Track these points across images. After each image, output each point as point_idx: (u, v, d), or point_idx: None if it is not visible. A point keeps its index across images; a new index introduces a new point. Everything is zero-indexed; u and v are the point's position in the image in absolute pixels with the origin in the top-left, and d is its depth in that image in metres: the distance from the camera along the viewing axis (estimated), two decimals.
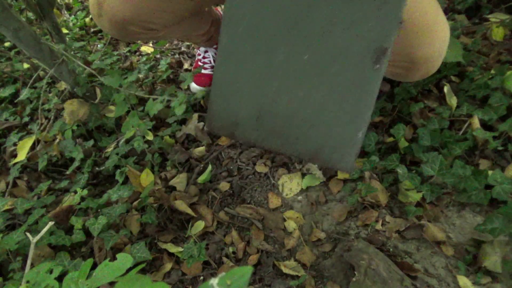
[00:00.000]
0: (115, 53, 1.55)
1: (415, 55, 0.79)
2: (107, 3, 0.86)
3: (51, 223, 0.67)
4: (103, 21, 0.92)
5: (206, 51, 1.38)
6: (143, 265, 0.54)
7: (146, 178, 0.98)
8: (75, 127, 1.11)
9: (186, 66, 1.54)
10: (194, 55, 1.60)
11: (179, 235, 0.91)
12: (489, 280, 0.74)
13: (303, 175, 1.00)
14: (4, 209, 0.90)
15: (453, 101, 1.00)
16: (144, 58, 1.53)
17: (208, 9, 1.20)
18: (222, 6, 1.80)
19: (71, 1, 2.04)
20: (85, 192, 0.93)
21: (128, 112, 0.99)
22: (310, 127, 0.62)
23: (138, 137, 1.02)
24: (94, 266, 0.81)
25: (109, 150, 1.07)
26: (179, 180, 1.02)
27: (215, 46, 1.37)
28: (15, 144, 1.16)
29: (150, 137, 1.03)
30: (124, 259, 0.46)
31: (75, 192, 0.96)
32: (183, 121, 1.21)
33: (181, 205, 0.94)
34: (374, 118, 1.04)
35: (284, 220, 0.92)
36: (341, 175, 0.98)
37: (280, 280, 0.79)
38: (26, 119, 1.27)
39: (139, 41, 1.74)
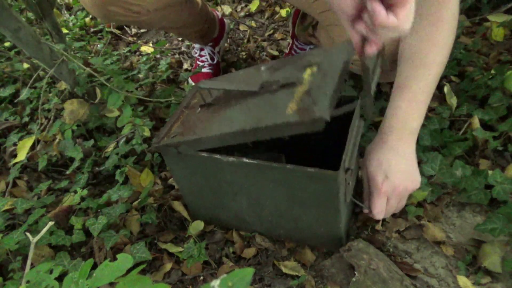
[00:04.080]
0: (115, 53, 1.55)
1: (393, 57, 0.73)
2: None
3: (51, 223, 0.67)
4: None
5: (201, 49, 1.37)
6: (143, 266, 0.54)
7: (146, 178, 0.98)
8: (75, 127, 1.11)
9: (186, 66, 1.54)
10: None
11: (179, 235, 0.91)
12: (489, 280, 0.74)
13: None
14: (4, 209, 0.89)
15: (453, 101, 1.00)
16: (144, 58, 1.53)
17: (202, 6, 1.19)
18: (220, 7, 1.80)
19: (71, 1, 2.04)
20: (85, 192, 0.93)
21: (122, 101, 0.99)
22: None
23: (137, 136, 1.02)
24: (94, 266, 0.81)
25: (109, 150, 1.07)
26: None
27: (210, 44, 1.36)
28: (15, 144, 1.16)
29: (147, 133, 1.03)
30: (124, 259, 0.47)
31: (75, 192, 0.96)
32: None
33: (179, 206, 0.94)
34: (374, 118, 1.04)
35: None
36: None
37: (280, 280, 0.79)
38: (26, 119, 1.27)
39: (139, 41, 1.74)
